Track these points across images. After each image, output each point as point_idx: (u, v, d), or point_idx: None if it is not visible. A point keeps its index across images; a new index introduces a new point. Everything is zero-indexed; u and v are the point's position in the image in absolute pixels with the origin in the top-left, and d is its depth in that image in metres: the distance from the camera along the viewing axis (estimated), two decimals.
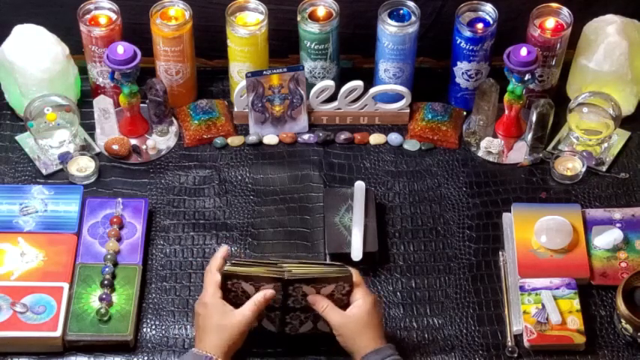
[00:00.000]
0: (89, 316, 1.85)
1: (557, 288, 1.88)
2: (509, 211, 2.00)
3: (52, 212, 1.98)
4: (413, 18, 2.08)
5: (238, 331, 1.71)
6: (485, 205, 2.04)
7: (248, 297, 1.73)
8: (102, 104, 2.10)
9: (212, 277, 1.74)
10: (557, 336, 1.84)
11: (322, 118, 2.17)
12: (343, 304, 1.75)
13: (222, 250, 1.78)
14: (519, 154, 2.13)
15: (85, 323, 1.84)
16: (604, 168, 2.10)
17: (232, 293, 1.74)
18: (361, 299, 1.74)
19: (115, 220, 1.96)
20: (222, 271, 1.73)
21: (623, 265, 1.94)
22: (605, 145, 2.12)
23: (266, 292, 1.72)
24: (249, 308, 1.71)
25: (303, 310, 1.77)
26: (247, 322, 1.71)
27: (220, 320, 1.71)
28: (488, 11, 2.10)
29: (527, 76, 2.04)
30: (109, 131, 2.12)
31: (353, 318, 1.73)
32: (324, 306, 1.73)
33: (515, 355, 1.84)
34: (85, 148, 2.10)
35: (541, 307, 1.86)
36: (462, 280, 1.94)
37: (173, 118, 2.17)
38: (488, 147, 2.12)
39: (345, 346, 1.74)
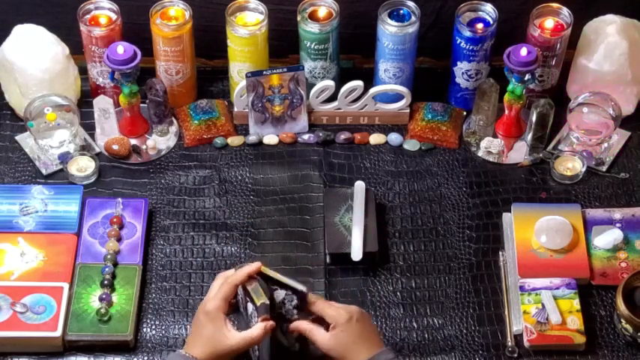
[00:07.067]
0: (89, 316, 1.85)
1: (557, 288, 1.88)
2: (509, 211, 2.00)
3: (52, 212, 1.98)
4: (413, 18, 2.08)
5: (229, 351, 1.68)
6: (485, 205, 2.04)
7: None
8: (102, 104, 2.10)
9: (225, 289, 1.70)
10: (557, 336, 1.83)
11: (322, 118, 2.17)
12: (292, 316, 1.72)
13: (253, 266, 1.71)
14: (519, 154, 2.13)
15: (85, 323, 1.84)
16: (604, 168, 2.10)
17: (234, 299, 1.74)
18: (335, 318, 1.69)
19: (115, 220, 1.96)
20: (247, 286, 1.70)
21: (623, 265, 1.94)
22: (605, 145, 2.12)
23: (266, 324, 1.67)
24: (247, 335, 1.68)
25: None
26: (240, 348, 1.68)
27: (215, 334, 1.68)
28: (489, 11, 2.10)
29: (527, 76, 2.04)
30: (109, 131, 2.12)
31: (335, 338, 1.68)
32: (307, 329, 1.70)
33: (515, 355, 1.84)
34: (85, 148, 2.10)
35: (541, 307, 1.86)
36: (462, 280, 1.94)
37: (173, 118, 2.17)
38: (488, 147, 2.12)
39: None
